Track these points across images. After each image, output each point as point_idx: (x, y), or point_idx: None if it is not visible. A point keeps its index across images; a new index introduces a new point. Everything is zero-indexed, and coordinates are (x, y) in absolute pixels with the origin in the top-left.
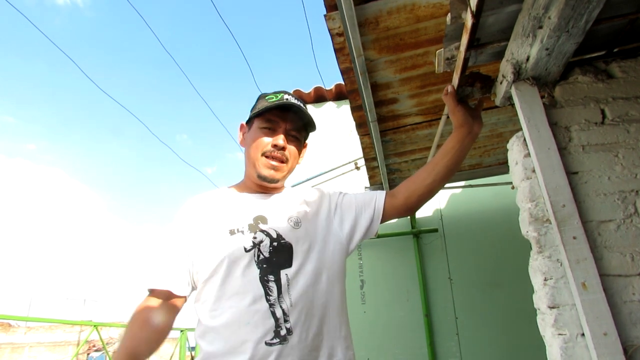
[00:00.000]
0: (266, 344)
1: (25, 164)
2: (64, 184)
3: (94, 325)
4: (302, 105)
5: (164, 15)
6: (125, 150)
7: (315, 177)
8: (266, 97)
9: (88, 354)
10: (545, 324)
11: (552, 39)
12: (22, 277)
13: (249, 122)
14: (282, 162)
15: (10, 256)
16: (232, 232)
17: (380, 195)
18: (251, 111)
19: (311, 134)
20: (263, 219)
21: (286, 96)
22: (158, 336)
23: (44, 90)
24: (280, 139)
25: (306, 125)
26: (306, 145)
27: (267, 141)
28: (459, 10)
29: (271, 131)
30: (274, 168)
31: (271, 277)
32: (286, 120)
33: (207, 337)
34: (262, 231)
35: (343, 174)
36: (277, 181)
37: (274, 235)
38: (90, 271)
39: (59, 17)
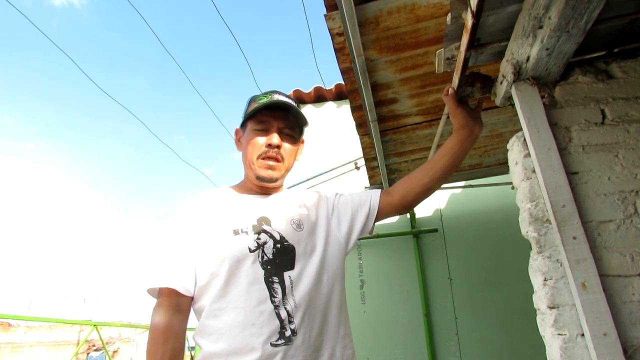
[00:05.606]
0: (271, 345)
1: (24, 163)
2: (63, 183)
3: (94, 325)
4: (293, 102)
5: (162, 14)
6: (124, 149)
7: (315, 177)
8: (257, 99)
9: (88, 354)
10: (545, 324)
11: (552, 39)
12: (22, 277)
13: (243, 125)
14: (278, 160)
15: (10, 256)
16: (236, 232)
17: (375, 193)
18: (243, 115)
19: (311, 134)
20: (267, 220)
21: (276, 95)
22: (180, 347)
23: (42, 89)
24: (274, 138)
25: (299, 122)
26: (303, 141)
27: (261, 142)
28: (459, 10)
29: (264, 131)
30: (271, 167)
31: (275, 279)
32: (278, 119)
33: (209, 337)
34: (266, 232)
35: (343, 173)
36: (275, 180)
37: (277, 237)
38: (91, 270)
39: (56, 18)
